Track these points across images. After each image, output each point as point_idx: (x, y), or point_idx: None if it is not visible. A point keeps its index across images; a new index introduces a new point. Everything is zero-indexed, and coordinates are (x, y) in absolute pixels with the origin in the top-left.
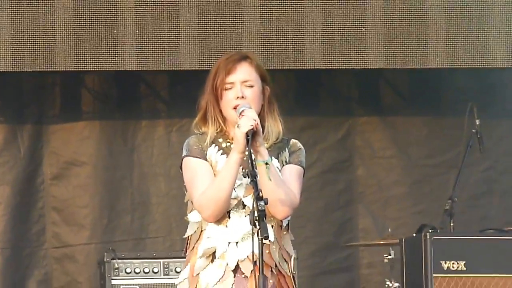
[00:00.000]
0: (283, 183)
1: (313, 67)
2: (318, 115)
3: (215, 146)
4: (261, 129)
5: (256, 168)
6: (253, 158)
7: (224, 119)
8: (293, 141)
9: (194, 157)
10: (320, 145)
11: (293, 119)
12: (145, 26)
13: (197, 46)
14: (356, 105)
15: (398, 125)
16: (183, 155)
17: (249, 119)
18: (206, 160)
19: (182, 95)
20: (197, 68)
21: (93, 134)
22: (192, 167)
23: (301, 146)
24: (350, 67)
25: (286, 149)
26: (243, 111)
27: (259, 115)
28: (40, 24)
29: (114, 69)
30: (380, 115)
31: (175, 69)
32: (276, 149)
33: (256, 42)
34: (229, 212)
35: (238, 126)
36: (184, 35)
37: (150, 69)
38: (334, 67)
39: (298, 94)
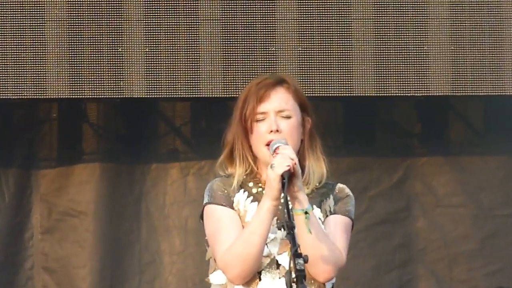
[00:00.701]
0: (327, 237)
1: (363, 94)
2: (370, 154)
3: (244, 191)
4: (300, 171)
5: (293, 219)
6: (289, 207)
7: (255, 158)
8: (339, 186)
9: (218, 204)
10: (372, 191)
11: (339, 159)
12: (157, 43)
13: (220, 68)
14: (417, 142)
15: (468, 166)
16: (204, 202)
17: (285, 158)
18: (232, 208)
19: (203, 130)
20: (220, 95)
21: (93, 178)
22: (216, 217)
23: (350, 193)
24: (409, 95)
25: (331, 195)
26: (277, 148)
27: (297, 153)
28: (29, 42)
29: (119, 96)
30: (445, 155)
31: (193, 96)
32: (319, 196)
33: (294, 64)
34: (260, 273)
35: (271, 167)
36: (206, 55)
37: (161, 96)
38: (390, 95)
39: (346, 128)
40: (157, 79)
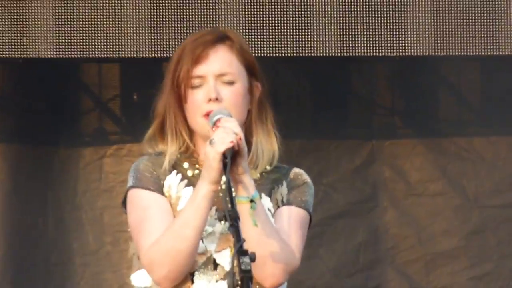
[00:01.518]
0: (276, 233)
1: (324, 54)
2: (329, 131)
3: (177, 173)
4: (246, 148)
5: (236, 208)
6: (232, 193)
7: (191, 133)
8: (295, 171)
9: (144, 188)
10: (329, 177)
11: (290, 138)
12: None
13: (148, 24)
14: (388, 117)
15: (448, 147)
16: (128, 185)
17: (228, 133)
18: (163, 193)
19: (128, 101)
20: (147, 55)
21: None
22: (141, 204)
23: (308, 179)
24: (381, 54)
25: (284, 182)
26: (218, 120)
27: (243, 127)
28: None
29: (22, 55)
30: (421, 134)
31: (107, 56)
32: (269, 182)
33: (240, 17)
34: (193, 274)
35: (210, 143)
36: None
37: (72, 56)
38: (357, 55)
39: (302, 97)
40: (67, 37)
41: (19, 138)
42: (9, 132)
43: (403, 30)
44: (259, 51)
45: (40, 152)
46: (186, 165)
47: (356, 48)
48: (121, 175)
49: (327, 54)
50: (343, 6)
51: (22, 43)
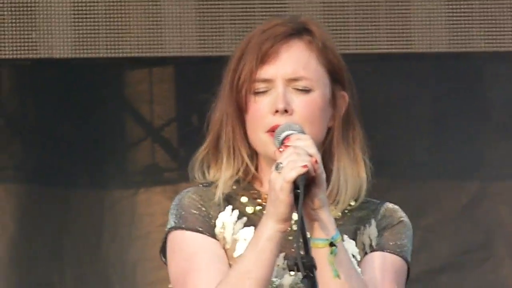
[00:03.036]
0: (365, 286)
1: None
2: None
3: (233, 209)
4: (323, 175)
5: (312, 254)
6: (306, 234)
7: (253, 153)
8: (388, 206)
9: (190, 230)
10: (428, 219)
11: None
12: None
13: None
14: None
15: None
16: (168, 226)
17: (300, 155)
18: (214, 236)
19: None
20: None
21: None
22: (187, 251)
23: (405, 217)
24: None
25: (373, 221)
26: (287, 138)
27: (321, 148)
28: None
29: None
30: None
31: (136, 55)
32: (353, 220)
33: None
34: None
35: (277, 168)
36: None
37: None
38: None
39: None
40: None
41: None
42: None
43: None
44: (347, 47)
45: (53, 191)
46: (244, 199)
47: None
48: (159, 217)
49: None
50: None
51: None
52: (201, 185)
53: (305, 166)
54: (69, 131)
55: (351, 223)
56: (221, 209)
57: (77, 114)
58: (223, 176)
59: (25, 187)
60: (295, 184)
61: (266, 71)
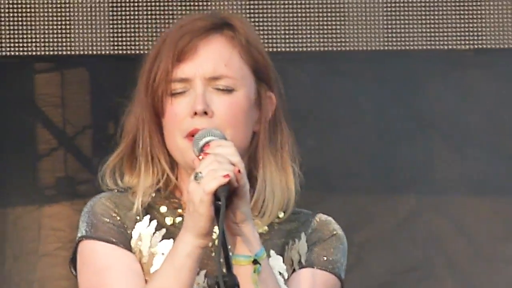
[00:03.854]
0: None
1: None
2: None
3: (151, 219)
4: (247, 186)
5: (233, 272)
6: (228, 251)
7: (173, 160)
8: (320, 218)
9: (103, 240)
10: (362, 235)
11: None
12: None
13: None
14: None
15: None
16: (78, 235)
17: (222, 163)
18: (130, 248)
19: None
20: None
21: None
22: (98, 264)
23: (338, 230)
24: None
25: (303, 234)
26: (207, 144)
27: (245, 156)
28: None
29: None
30: None
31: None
32: (281, 234)
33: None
34: None
35: (196, 178)
36: None
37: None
38: None
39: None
40: None
41: None
42: None
43: None
44: (273, 46)
45: None
46: (164, 208)
47: None
48: (70, 231)
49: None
50: None
51: None
52: (115, 190)
53: (226, 175)
54: None
55: (279, 236)
56: (137, 219)
57: None
58: (141, 184)
59: None
60: (215, 196)
61: (183, 70)
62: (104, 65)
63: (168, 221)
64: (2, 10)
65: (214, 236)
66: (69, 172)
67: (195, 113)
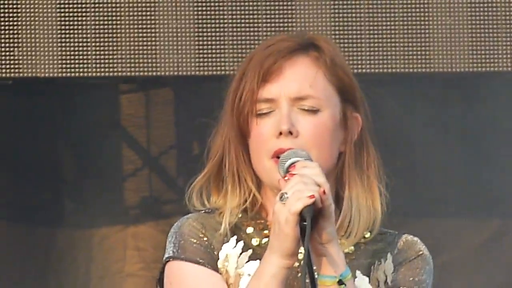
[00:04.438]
0: None
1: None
2: None
3: (237, 240)
4: (332, 207)
5: None
6: (313, 271)
7: (259, 180)
8: (406, 238)
9: (190, 261)
10: (444, 256)
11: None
12: None
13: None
14: None
15: None
16: (166, 256)
17: (307, 184)
18: (216, 269)
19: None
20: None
21: None
22: (185, 283)
23: (424, 251)
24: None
25: (389, 255)
26: (293, 165)
27: (331, 177)
28: None
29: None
30: None
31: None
32: (367, 254)
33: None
34: None
35: (281, 199)
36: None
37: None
38: None
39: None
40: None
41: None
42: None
43: None
44: (359, 67)
45: (36, 228)
46: (250, 229)
47: None
48: (154, 251)
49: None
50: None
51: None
52: (203, 211)
53: (312, 196)
54: (61, 160)
55: (365, 257)
56: (224, 239)
57: (65, 141)
58: (229, 205)
59: (5, 224)
60: (301, 216)
61: (269, 90)
62: (189, 86)
63: (255, 242)
64: (89, 32)
65: (300, 256)
66: (154, 192)
67: (280, 133)
